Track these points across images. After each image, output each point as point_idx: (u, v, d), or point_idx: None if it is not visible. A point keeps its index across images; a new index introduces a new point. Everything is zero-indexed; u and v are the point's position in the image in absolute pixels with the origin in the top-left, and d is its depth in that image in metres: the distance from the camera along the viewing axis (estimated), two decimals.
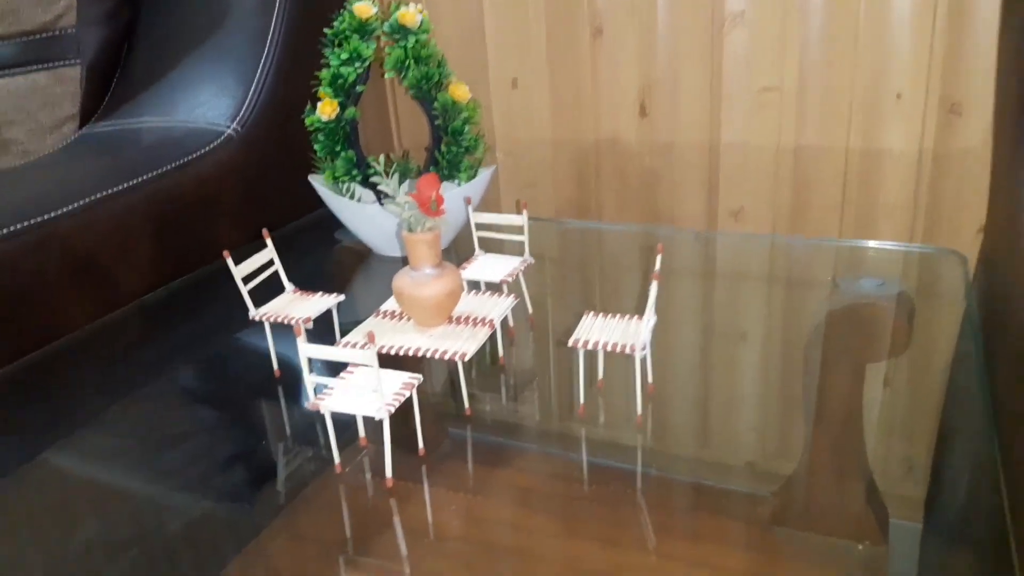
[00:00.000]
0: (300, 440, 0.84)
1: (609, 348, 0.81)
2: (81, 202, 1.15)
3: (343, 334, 0.91)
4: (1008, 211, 1.05)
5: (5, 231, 1.05)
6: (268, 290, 0.97)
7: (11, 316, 1.06)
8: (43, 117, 1.54)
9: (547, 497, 0.74)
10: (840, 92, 1.37)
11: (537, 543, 0.69)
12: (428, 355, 0.83)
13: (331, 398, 0.76)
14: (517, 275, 1.00)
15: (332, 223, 1.35)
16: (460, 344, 0.83)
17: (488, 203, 1.57)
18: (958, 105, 1.31)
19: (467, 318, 0.89)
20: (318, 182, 1.29)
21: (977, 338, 0.96)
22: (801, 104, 1.40)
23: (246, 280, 0.93)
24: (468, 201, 1.04)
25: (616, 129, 1.54)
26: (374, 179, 0.82)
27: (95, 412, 0.94)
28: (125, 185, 1.21)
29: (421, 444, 0.80)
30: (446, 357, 0.82)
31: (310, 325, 0.92)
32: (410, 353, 0.83)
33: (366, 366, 0.71)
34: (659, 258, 0.83)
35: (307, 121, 1.22)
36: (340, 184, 1.27)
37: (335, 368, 0.81)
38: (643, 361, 0.83)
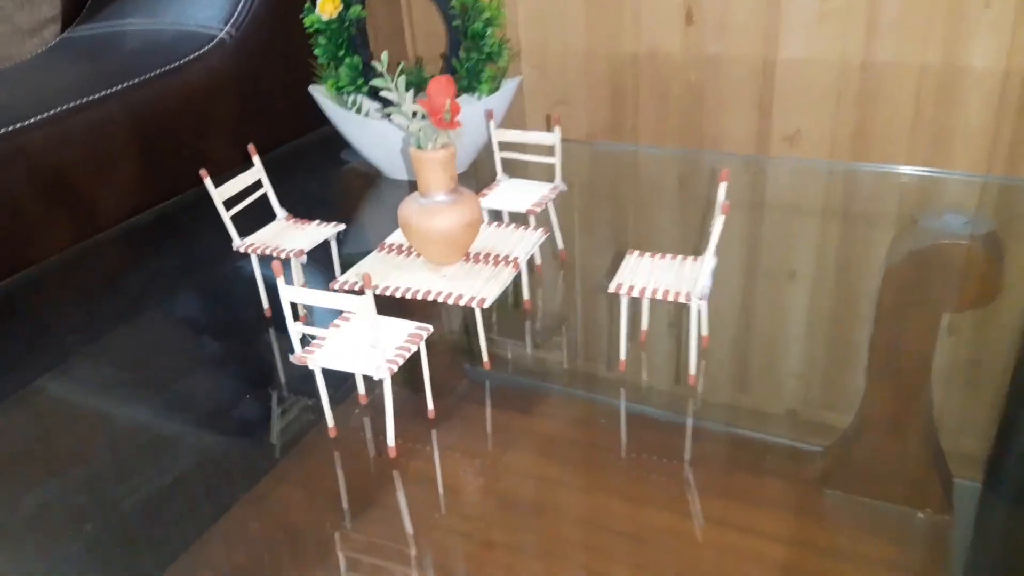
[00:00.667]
0: (290, 394, 0.72)
1: (660, 295, 0.67)
2: (53, 111, 1.00)
3: (344, 270, 0.77)
4: None
5: None
6: (260, 216, 0.83)
7: None
8: (21, 19, 1.38)
9: (579, 471, 0.61)
10: (918, 0, 1.18)
11: (565, 532, 0.57)
12: (440, 299, 0.69)
13: (322, 352, 0.63)
14: (546, 204, 0.86)
15: (338, 142, 1.20)
16: (478, 287, 0.70)
17: (512, 122, 1.41)
18: None
19: (487, 255, 0.75)
20: (320, 93, 1.13)
21: None
22: (872, 13, 1.22)
23: (230, 204, 0.79)
24: (490, 116, 0.89)
25: (658, 39, 1.36)
26: (376, 82, 0.67)
27: (62, 351, 0.82)
28: (104, 93, 1.07)
29: (431, 406, 0.67)
30: (461, 303, 0.68)
31: (303, 259, 0.79)
32: (418, 296, 0.70)
33: (360, 317, 0.58)
34: (723, 187, 0.68)
35: (306, 21, 1.07)
36: (344, 95, 1.12)
37: (335, 310, 0.67)
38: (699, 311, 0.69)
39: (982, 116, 1.23)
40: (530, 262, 0.88)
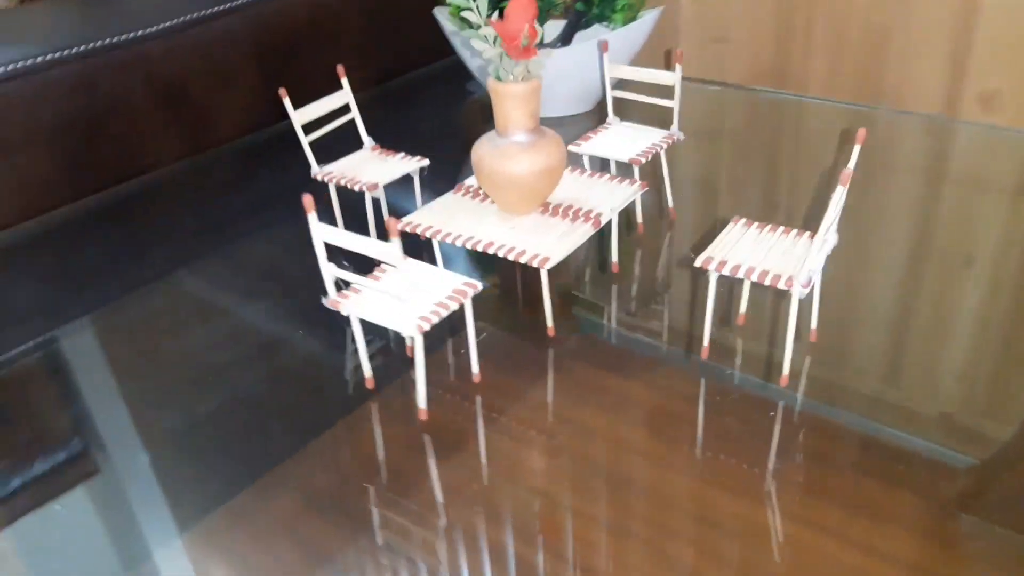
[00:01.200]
0: (341, 339, 0.67)
1: (756, 277, 0.56)
2: (169, 23, 1.00)
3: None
4: None
5: (84, 48, 0.93)
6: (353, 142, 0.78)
7: (92, 143, 0.95)
8: None
9: (652, 469, 0.53)
10: None
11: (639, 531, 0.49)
12: (500, 254, 0.61)
13: (357, 298, 0.57)
14: (657, 153, 0.75)
15: (464, 73, 1.13)
16: (546, 244, 0.61)
17: (658, 60, 1.28)
18: None
19: (568, 208, 0.66)
20: (443, 16, 1.06)
21: None
22: None
23: (314, 129, 0.75)
24: (605, 47, 0.78)
25: None
26: (458, 0, 0.59)
27: (159, 265, 0.82)
28: (228, 5, 1.05)
29: (475, 369, 0.60)
30: (522, 259, 0.60)
31: (378, 192, 0.73)
32: (478, 248, 0.62)
33: (390, 265, 0.51)
34: (856, 150, 0.55)
35: None
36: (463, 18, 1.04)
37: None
38: (803, 300, 0.57)
39: None
40: (631, 219, 0.78)
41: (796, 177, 0.93)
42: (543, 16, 1.06)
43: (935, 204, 0.87)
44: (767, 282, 0.55)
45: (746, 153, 0.99)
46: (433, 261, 0.67)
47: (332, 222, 0.78)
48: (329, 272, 0.55)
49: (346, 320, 0.58)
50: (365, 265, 0.57)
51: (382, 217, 0.76)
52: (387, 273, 0.59)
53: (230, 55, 1.05)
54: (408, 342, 0.63)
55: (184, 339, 0.69)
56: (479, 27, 0.60)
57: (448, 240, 0.63)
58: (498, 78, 0.61)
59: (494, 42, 0.60)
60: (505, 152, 0.62)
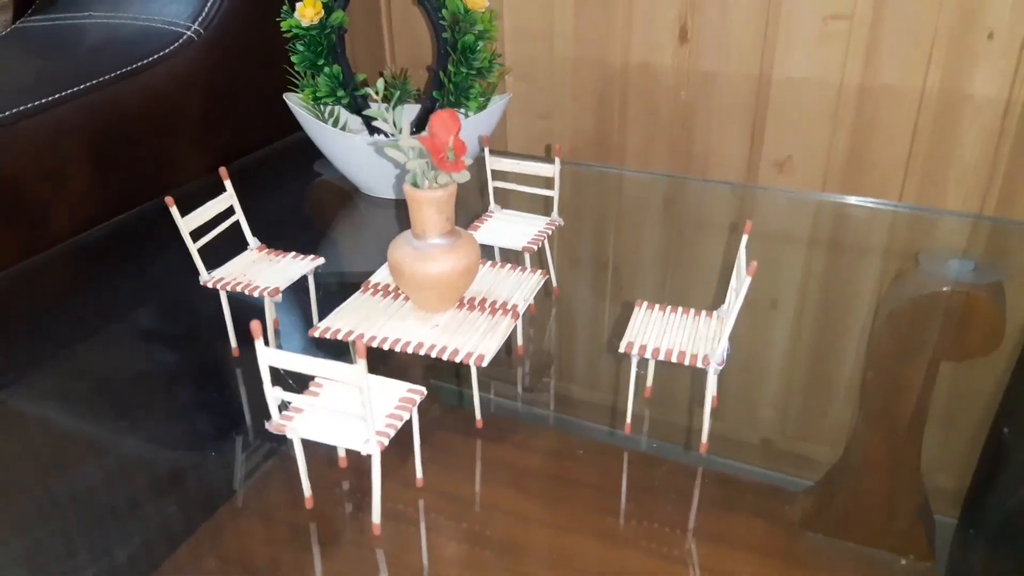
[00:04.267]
0: (260, 450, 0.65)
1: (675, 358, 0.61)
2: (2, 114, 0.91)
3: (321, 310, 0.70)
4: None
5: None
6: (229, 242, 0.76)
7: None
8: None
9: (585, 539, 0.56)
10: (922, 25, 1.15)
11: None
12: (433, 355, 0.63)
13: (301, 419, 0.56)
14: (542, 242, 0.80)
15: (310, 151, 1.13)
16: (475, 341, 0.64)
17: (494, 139, 1.35)
18: None
19: (482, 301, 0.69)
20: (295, 102, 1.06)
21: None
22: (874, 37, 1.18)
23: (197, 235, 0.72)
24: (485, 142, 0.83)
25: (650, 54, 1.31)
26: (369, 113, 0.60)
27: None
28: (59, 95, 0.98)
29: (419, 474, 0.61)
30: (457, 359, 0.62)
31: (278, 298, 0.72)
32: (408, 350, 0.63)
33: (352, 386, 0.51)
34: (744, 240, 0.63)
35: (283, 26, 0.99)
36: (321, 106, 1.04)
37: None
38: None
39: (979, 149, 1.20)
40: None
41: (648, 246, 1.02)
42: (398, 101, 1.09)
43: (726, 256, 0.99)
44: (686, 362, 0.61)
45: (593, 226, 1.07)
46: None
47: (223, 333, 0.75)
48: (274, 396, 0.54)
49: (242, 430, 0.57)
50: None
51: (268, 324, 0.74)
52: (324, 387, 0.59)
53: (61, 148, 0.97)
54: (341, 452, 0.62)
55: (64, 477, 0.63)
56: (395, 138, 0.62)
57: (374, 344, 0.64)
58: (415, 185, 0.63)
59: (411, 153, 0.62)
60: (427, 255, 0.64)
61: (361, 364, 0.49)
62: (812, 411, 0.71)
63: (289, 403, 0.56)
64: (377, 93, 0.62)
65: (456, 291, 0.66)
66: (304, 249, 0.77)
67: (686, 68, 1.30)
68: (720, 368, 0.60)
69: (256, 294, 0.71)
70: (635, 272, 0.94)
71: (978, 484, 0.61)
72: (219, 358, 0.76)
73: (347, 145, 1.03)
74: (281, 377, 0.61)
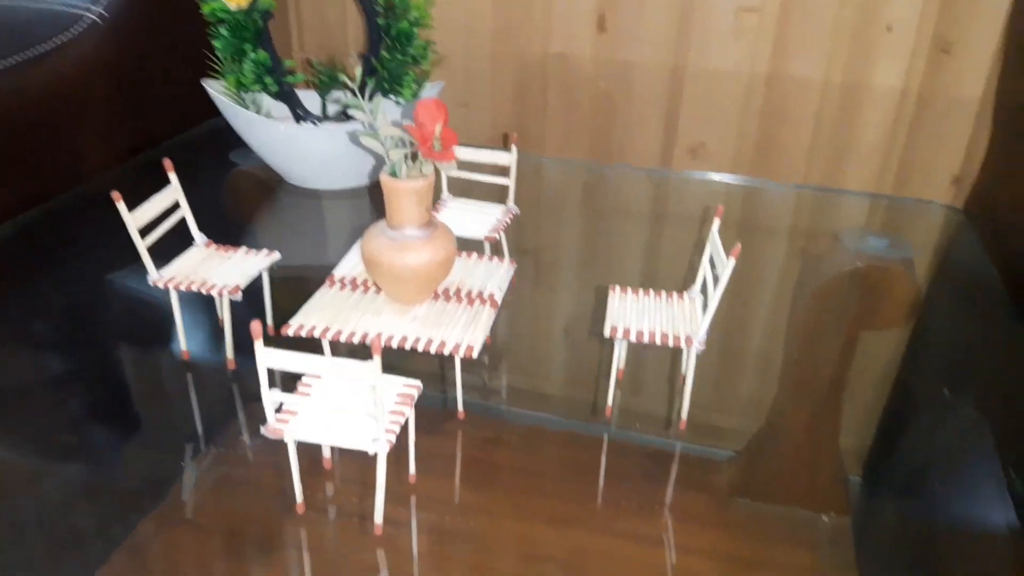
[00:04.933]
0: (228, 453, 0.62)
1: (659, 340, 0.63)
2: None
3: (275, 307, 0.67)
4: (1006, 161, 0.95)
5: None
6: (172, 240, 0.71)
7: None
8: None
9: (562, 536, 0.56)
10: (826, 18, 1.21)
11: None
12: (420, 348, 0.61)
13: (297, 421, 0.53)
14: (501, 230, 0.79)
15: (226, 140, 1.07)
16: (459, 333, 0.62)
17: None
18: (950, 44, 1.19)
19: (457, 291, 0.68)
20: (216, 89, 1.00)
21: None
22: (782, 29, 1.24)
23: (143, 232, 0.67)
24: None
25: (569, 44, 1.32)
26: (349, 101, 0.58)
27: None
28: None
29: (412, 470, 0.59)
30: (445, 351, 0.61)
31: (238, 296, 0.68)
32: (393, 344, 0.61)
33: (364, 381, 0.49)
34: (716, 223, 0.65)
35: (205, 9, 0.93)
36: (244, 94, 0.99)
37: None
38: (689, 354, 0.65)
39: (878, 134, 1.28)
40: None
41: (581, 236, 1.03)
42: (325, 89, 1.05)
43: (662, 240, 1.03)
44: (669, 343, 0.62)
45: (529, 215, 1.07)
46: None
47: (170, 334, 0.70)
48: (271, 399, 0.51)
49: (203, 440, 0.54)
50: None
51: (237, 324, 0.70)
52: (313, 387, 0.56)
53: None
54: (326, 453, 0.60)
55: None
56: (372, 126, 0.60)
57: (354, 339, 0.62)
58: (394, 174, 0.61)
59: (391, 142, 0.60)
60: (405, 246, 0.62)
61: (376, 361, 0.47)
62: (740, 385, 0.74)
63: (282, 405, 0.54)
64: (354, 80, 0.59)
65: (434, 283, 0.65)
66: (237, 243, 0.73)
67: (604, 58, 1.32)
68: (701, 349, 0.62)
69: (215, 293, 0.67)
70: (583, 257, 0.95)
71: (881, 444, 0.66)
72: (170, 362, 0.71)
73: (274, 134, 0.99)
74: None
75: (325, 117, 1.04)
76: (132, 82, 1.08)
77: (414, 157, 0.60)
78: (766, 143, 1.33)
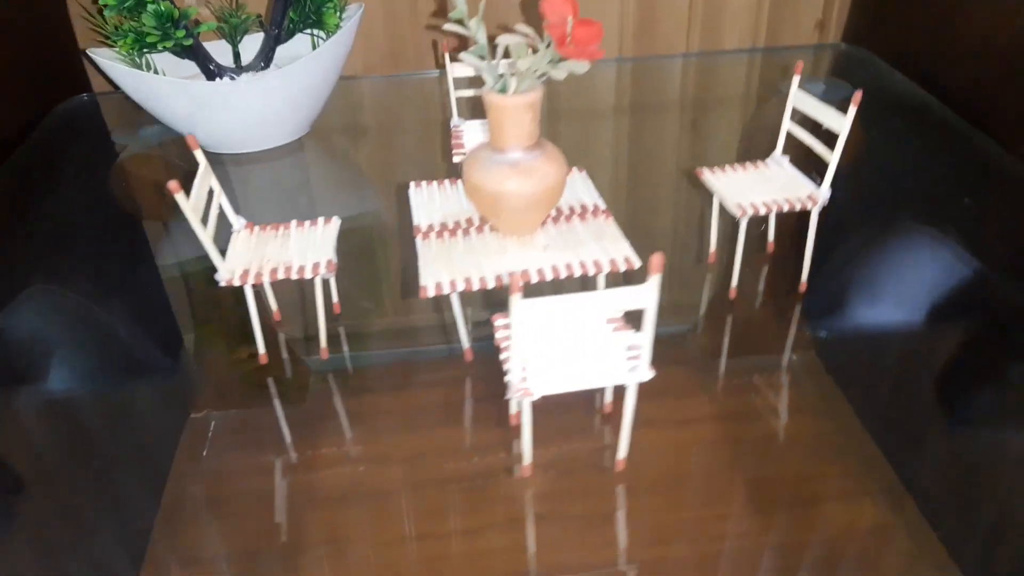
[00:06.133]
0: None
1: (786, 207, 0.62)
2: None
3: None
4: None
5: None
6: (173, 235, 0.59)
7: None
8: None
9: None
10: None
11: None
12: (578, 273, 0.56)
13: (541, 375, 0.47)
14: None
15: (91, 124, 0.91)
16: (600, 249, 0.58)
17: (352, 57, 1.19)
18: None
19: (558, 211, 0.62)
20: (105, 57, 0.83)
21: None
22: None
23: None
24: (445, 48, 0.72)
25: None
26: (454, 14, 0.50)
27: None
28: None
29: (608, 405, 0.56)
30: (604, 271, 0.56)
31: (332, 273, 0.58)
32: (546, 276, 0.56)
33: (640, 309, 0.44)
34: (796, 79, 0.65)
35: None
36: (142, 54, 0.83)
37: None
38: None
39: None
40: None
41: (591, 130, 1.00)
42: (236, 35, 0.91)
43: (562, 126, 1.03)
44: (797, 207, 0.62)
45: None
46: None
47: (250, 332, 0.60)
48: (521, 359, 0.45)
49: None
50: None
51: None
52: (514, 330, 0.50)
53: None
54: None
55: None
56: (476, 44, 0.52)
57: (488, 285, 0.55)
58: (502, 90, 0.54)
59: (519, 52, 0.52)
60: (528, 169, 0.56)
61: (654, 279, 0.43)
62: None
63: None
64: (460, 13, 0.51)
65: (553, 205, 0.59)
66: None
67: None
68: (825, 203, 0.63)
69: (309, 276, 0.57)
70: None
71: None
72: (248, 366, 0.60)
73: (194, 96, 0.84)
74: None
75: (241, 68, 0.90)
76: None
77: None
78: (648, 20, 1.34)
